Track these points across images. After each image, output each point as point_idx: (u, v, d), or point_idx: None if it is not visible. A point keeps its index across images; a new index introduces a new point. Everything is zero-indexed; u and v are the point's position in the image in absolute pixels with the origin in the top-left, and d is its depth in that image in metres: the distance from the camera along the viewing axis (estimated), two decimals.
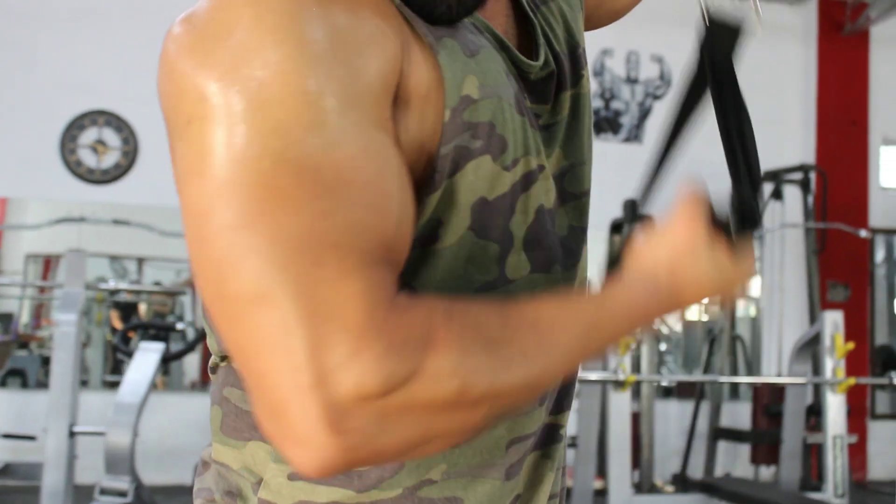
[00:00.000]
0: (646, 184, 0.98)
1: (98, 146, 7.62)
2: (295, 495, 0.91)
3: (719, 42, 0.95)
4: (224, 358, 0.98)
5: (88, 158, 7.63)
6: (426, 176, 0.84)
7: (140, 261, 8.87)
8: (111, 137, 7.66)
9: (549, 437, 1.03)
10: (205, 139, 0.73)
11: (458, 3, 0.86)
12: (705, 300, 0.92)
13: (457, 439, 0.77)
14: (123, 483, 3.86)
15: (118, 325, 8.50)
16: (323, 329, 0.69)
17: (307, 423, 0.69)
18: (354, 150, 0.74)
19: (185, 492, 6.76)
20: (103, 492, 3.86)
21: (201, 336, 4.98)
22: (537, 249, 0.94)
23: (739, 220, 0.91)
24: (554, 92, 0.98)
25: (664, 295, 0.89)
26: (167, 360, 4.61)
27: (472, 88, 0.85)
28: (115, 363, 8.63)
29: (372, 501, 0.91)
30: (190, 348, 5.20)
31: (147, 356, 4.27)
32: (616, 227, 6.78)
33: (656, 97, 8.49)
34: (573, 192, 1.01)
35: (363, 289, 0.71)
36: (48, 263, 8.58)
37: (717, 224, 0.90)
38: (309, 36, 0.75)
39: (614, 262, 0.94)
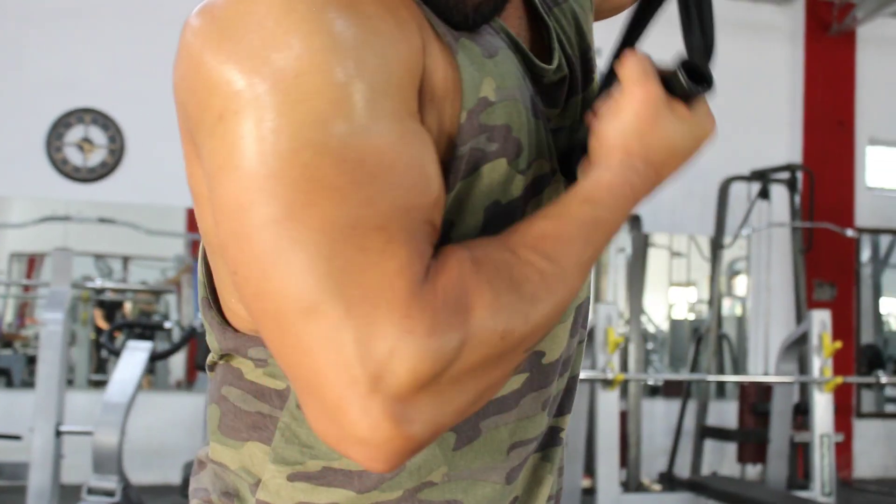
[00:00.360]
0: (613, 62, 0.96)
1: (84, 144, 7.59)
2: (294, 496, 0.90)
3: None
4: (223, 356, 0.97)
5: (74, 156, 7.59)
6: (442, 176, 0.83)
7: (125, 259, 8.84)
8: (97, 135, 7.62)
9: (550, 439, 1.03)
10: (240, 134, 0.72)
11: (475, 13, 0.85)
12: (680, 162, 0.90)
13: (506, 380, 0.78)
14: (111, 483, 3.83)
15: (102, 323, 8.48)
16: (370, 317, 0.68)
17: (369, 421, 0.68)
18: (393, 136, 0.74)
19: (172, 491, 6.74)
20: (91, 491, 3.84)
21: (189, 335, 4.95)
22: None
23: (691, 78, 0.87)
24: (565, 97, 0.97)
25: (642, 167, 0.87)
26: (155, 359, 4.59)
27: (489, 91, 0.84)
28: (100, 362, 8.60)
29: (372, 503, 0.90)
30: (178, 347, 5.18)
31: (135, 355, 4.24)
32: None
33: None
34: None
35: (407, 265, 0.71)
36: (32, 262, 8.55)
37: (669, 85, 0.87)
38: (340, 26, 0.74)
39: (580, 148, 0.92)
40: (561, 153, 0.95)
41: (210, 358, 1.00)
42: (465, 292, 0.72)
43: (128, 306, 9.03)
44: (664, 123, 0.87)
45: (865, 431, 8.99)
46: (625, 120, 0.86)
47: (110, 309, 8.81)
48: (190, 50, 0.77)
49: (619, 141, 0.87)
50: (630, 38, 0.97)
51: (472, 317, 0.71)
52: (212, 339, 0.98)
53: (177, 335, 7.10)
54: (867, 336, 9.37)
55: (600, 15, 1.20)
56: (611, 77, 0.94)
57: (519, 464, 0.97)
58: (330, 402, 0.69)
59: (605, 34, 1.31)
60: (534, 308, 0.75)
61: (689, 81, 0.87)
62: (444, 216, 0.84)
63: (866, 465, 8.93)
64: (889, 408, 9.68)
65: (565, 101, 0.97)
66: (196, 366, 5.25)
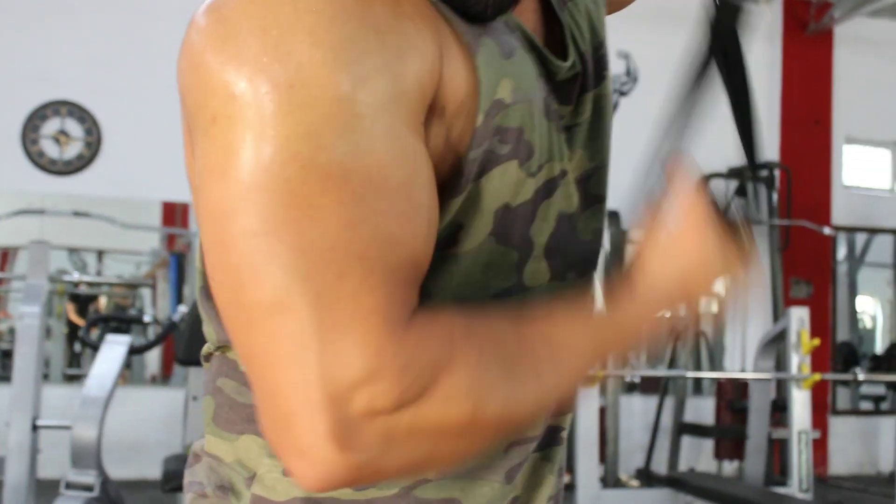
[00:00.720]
0: (654, 163, 0.96)
1: (60, 137, 7.54)
2: (290, 492, 0.89)
3: (728, 22, 0.94)
4: (220, 347, 0.96)
5: (51, 149, 7.54)
6: (451, 179, 0.82)
7: (100, 253, 8.80)
8: (74, 128, 7.58)
9: (550, 439, 1.01)
10: (230, 139, 0.71)
11: (494, 2, 0.83)
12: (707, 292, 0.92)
13: (460, 462, 0.78)
14: (90, 477, 3.79)
15: (74, 318, 8.43)
16: (339, 345, 0.68)
17: (314, 437, 0.68)
18: (385, 157, 0.72)
19: (148, 486, 6.71)
20: (69, 486, 3.79)
21: (169, 328, 4.92)
22: (557, 256, 0.92)
23: (747, 211, 0.90)
24: (577, 93, 0.96)
25: (674, 307, 0.90)
26: (134, 353, 4.56)
27: (505, 92, 0.83)
28: (73, 356, 8.56)
29: (368, 499, 0.90)
30: (158, 341, 5.14)
31: (113, 349, 4.20)
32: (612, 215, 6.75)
33: (622, 93, 8.51)
34: (598, 195, 0.99)
35: (385, 306, 0.70)
36: (5, 256, 8.50)
37: (724, 223, 0.89)
38: (347, 38, 0.72)
39: (618, 264, 0.93)
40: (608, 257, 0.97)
41: (206, 348, 1.00)
42: (448, 354, 0.71)
43: (102, 300, 8.98)
44: (711, 272, 0.90)
45: (841, 428, 9.05)
46: (674, 265, 0.89)
47: (84, 303, 8.76)
48: (193, 46, 0.75)
49: (661, 282, 0.89)
50: (681, 128, 0.98)
51: (445, 374, 0.70)
52: (209, 330, 0.97)
53: (156, 329, 7.06)
54: (843, 333, 9.44)
55: (612, 8, 1.19)
56: (658, 177, 0.95)
57: (518, 462, 0.96)
58: (282, 412, 0.69)
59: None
60: (513, 399, 0.75)
61: (747, 229, 0.91)
62: (455, 219, 0.83)
63: (841, 461, 8.99)
64: (864, 405, 9.76)
65: (577, 98, 0.96)
66: (176, 360, 5.22)
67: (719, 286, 0.91)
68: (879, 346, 10.19)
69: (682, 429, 7.67)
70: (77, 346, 8.59)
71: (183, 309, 4.97)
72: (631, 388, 8.70)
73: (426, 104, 0.77)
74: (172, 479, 4.23)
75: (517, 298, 0.89)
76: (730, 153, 7.78)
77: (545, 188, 0.89)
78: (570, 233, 0.94)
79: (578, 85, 0.96)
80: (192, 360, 4.62)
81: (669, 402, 7.86)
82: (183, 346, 4.41)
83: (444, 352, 0.71)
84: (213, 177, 0.72)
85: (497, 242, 0.86)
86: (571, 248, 0.94)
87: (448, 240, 0.84)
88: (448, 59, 0.79)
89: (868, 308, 10.58)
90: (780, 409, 6.78)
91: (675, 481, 6.08)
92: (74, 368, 8.61)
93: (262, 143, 0.70)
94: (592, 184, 0.99)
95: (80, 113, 7.56)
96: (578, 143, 0.96)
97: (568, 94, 0.94)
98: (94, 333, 5.19)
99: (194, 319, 4.42)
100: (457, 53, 0.81)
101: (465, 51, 0.81)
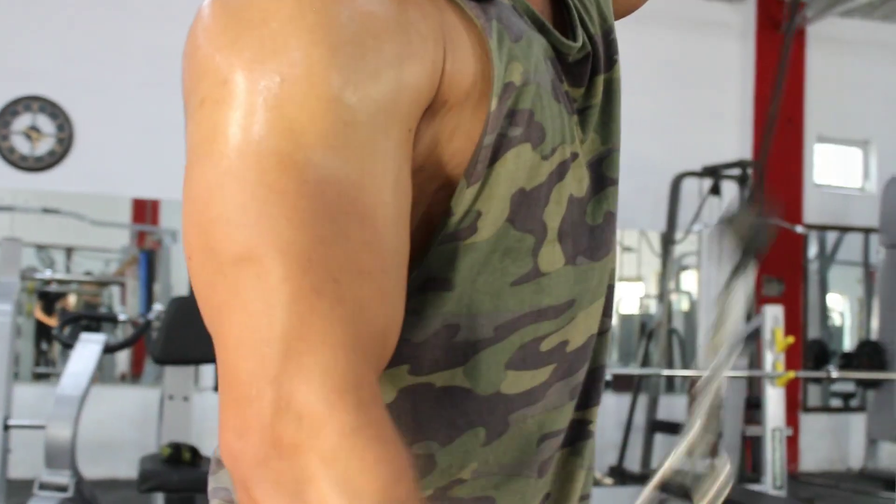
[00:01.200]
0: None
1: (32, 133, 7.46)
2: None
3: None
4: None
5: (22, 145, 7.47)
6: (468, 168, 0.81)
7: (69, 250, 8.73)
8: (45, 124, 7.50)
9: (578, 433, 0.99)
10: (214, 123, 0.70)
11: None
12: None
13: None
14: (64, 477, 3.75)
15: (41, 315, 8.36)
16: (305, 359, 0.65)
17: (257, 428, 0.65)
18: (360, 176, 0.70)
19: (119, 485, 6.67)
20: (43, 486, 3.75)
21: (145, 327, 4.88)
22: (568, 241, 0.91)
23: None
24: (588, 75, 0.95)
25: None
26: (108, 352, 4.51)
27: (515, 75, 0.82)
28: (40, 355, 8.50)
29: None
30: (134, 339, 5.09)
31: (88, 348, 4.16)
32: None
33: None
34: (611, 178, 0.98)
35: (352, 351, 0.67)
36: None
37: None
38: (346, 41, 0.71)
39: None
40: None
41: None
42: (402, 490, 0.66)
43: (70, 298, 8.91)
44: None
45: (812, 425, 9.12)
46: None
47: (51, 301, 8.69)
48: (194, 32, 0.75)
49: None
50: None
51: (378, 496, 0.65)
52: None
53: (129, 328, 7.02)
54: (814, 331, 9.51)
55: (619, 11, 1.18)
56: None
57: (550, 457, 0.95)
58: (235, 395, 0.67)
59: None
60: None
61: None
62: (472, 206, 0.82)
63: (812, 458, 9.06)
64: (834, 402, 9.84)
65: (589, 80, 0.95)
66: (152, 358, 5.18)
67: None
68: (849, 344, 10.28)
69: (655, 426, 7.70)
70: (45, 345, 8.53)
71: (159, 307, 4.92)
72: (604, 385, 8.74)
73: (421, 108, 0.76)
74: (149, 478, 4.19)
75: (534, 285, 0.88)
76: (704, 152, 7.79)
77: (558, 171, 0.88)
78: (580, 216, 0.93)
79: (589, 67, 0.95)
80: (170, 358, 4.59)
81: (642, 400, 7.89)
82: (160, 344, 4.38)
83: (394, 484, 0.65)
84: (195, 158, 0.71)
85: (514, 228, 0.85)
86: (580, 232, 0.93)
87: (468, 230, 0.82)
88: (454, 52, 0.78)
89: (838, 306, 10.67)
90: (752, 407, 6.83)
91: (648, 479, 6.10)
92: (42, 367, 8.54)
93: (244, 132, 0.69)
94: (605, 166, 0.98)
95: (52, 109, 7.49)
96: (591, 126, 0.95)
97: (579, 77, 0.94)
98: (66, 331, 5.14)
99: (172, 318, 4.38)
100: (466, 41, 0.80)
101: (477, 36, 0.80)
